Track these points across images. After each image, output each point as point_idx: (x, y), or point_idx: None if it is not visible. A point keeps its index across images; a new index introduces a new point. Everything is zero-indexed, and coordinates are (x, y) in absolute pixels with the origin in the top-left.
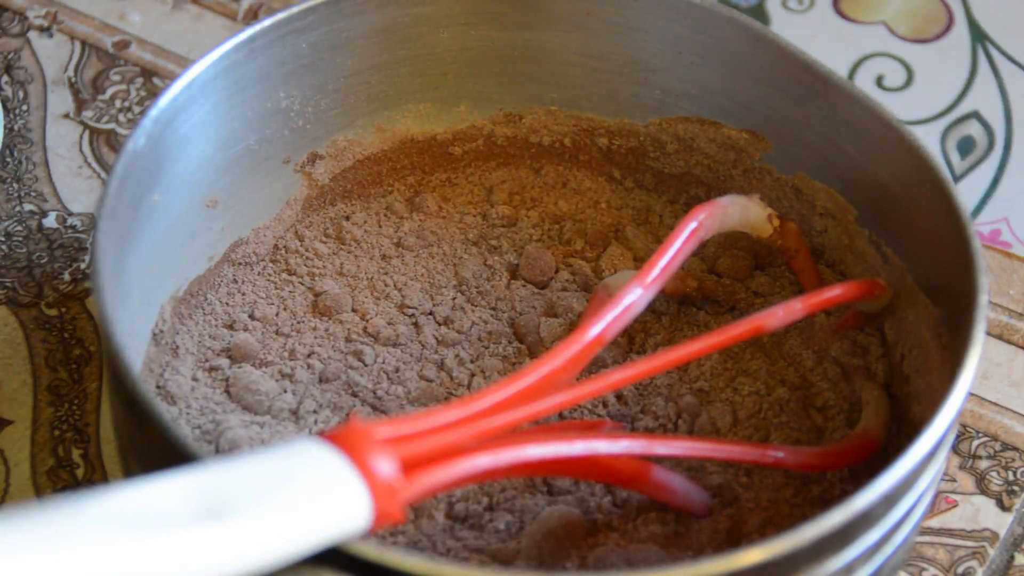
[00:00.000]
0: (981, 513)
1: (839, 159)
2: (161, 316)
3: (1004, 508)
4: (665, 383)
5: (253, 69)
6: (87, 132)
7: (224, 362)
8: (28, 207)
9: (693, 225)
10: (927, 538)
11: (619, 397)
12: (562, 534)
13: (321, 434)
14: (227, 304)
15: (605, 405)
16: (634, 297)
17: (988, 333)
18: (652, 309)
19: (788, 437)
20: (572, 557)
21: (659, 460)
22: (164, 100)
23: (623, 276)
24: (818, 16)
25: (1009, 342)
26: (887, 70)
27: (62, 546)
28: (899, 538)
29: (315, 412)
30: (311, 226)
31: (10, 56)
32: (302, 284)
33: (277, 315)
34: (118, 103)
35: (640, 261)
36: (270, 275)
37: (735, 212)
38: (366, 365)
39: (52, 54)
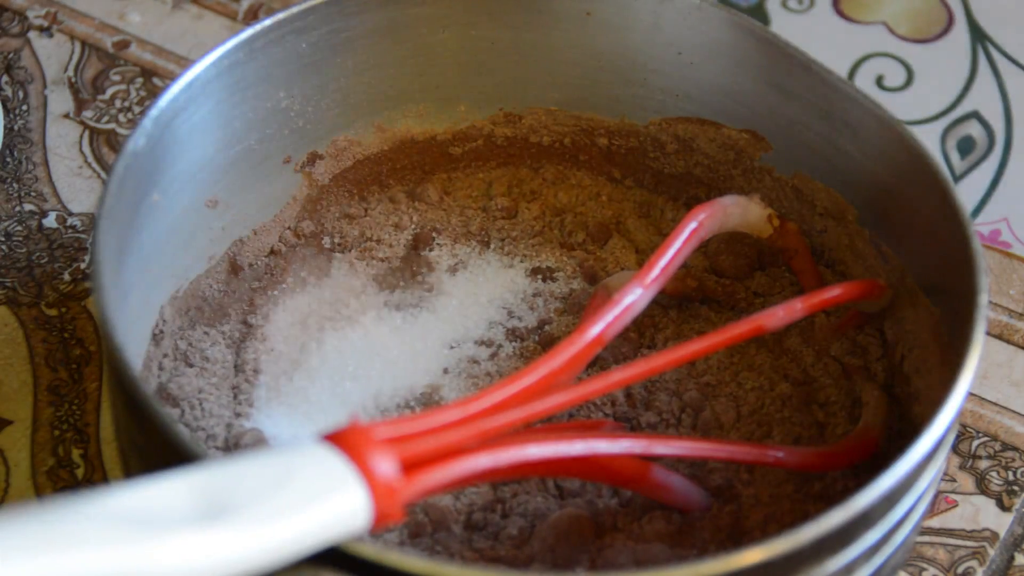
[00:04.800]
0: (981, 513)
1: (839, 159)
2: (161, 316)
3: (1004, 508)
4: (673, 378)
5: (253, 69)
6: (87, 132)
7: (232, 358)
8: (28, 207)
9: (693, 225)
10: (927, 538)
11: (628, 396)
12: (573, 536)
13: (321, 434)
14: (233, 305)
15: (613, 404)
16: (634, 297)
17: (988, 333)
18: (659, 303)
19: (790, 432)
20: (583, 560)
21: (659, 459)
22: (164, 100)
23: (623, 276)
24: (818, 16)
25: (1009, 342)
26: (887, 70)
27: (62, 546)
28: (899, 538)
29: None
30: (313, 223)
31: (10, 56)
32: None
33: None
34: (118, 103)
35: (642, 254)
36: (273, 277)
37: (735, 212)
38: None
39: (52, 54)
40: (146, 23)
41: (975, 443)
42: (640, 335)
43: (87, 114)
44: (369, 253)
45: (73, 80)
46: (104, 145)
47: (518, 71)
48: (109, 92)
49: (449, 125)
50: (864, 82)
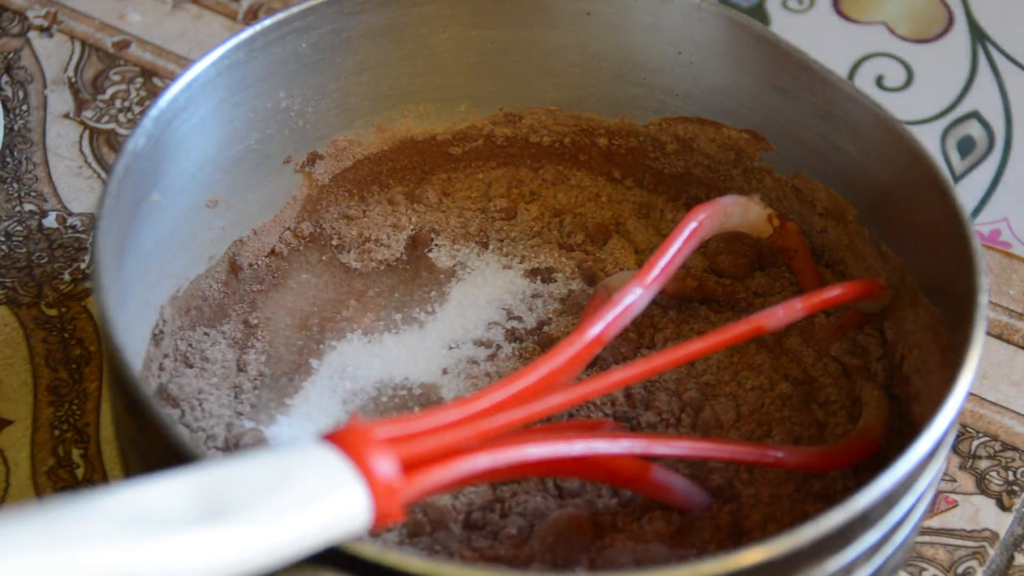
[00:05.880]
0: (981, 513)
1: (839, 159)
2: (161, 316)
3: (1004, 508)
4: (673, 378)
5: (253, 69)
6: (87, 132)
7: (232, 358)
8: (28, 207)
9: (693, 225)
10: (927, 538)
11: (628, 396)
12: (573, 536)
13: (321, 434)
14: (233, 306)
15: (613, 404)
16: (634, 297)
17: (988, 333)
18: (659, 304)
19: (790, 432)
20: (582, 560)
21: (659, 459)
22: (164, 100)
23: (622, 276)
24: (818, 16)
25: (1009, 342)
26: (887, 70)
27: (62, 546)
28: (899, 538)
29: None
30: (312, 224)
31: (10, 56)
32: (305, 284)
33: (283, 320)
34: (118, 103)
35: (641, 254)
36: (273, 277)
37: (735, 212)
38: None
39: (52, 54)
40: (146, 23)
41: (975, 443)
42: (640, 335)
43: (87, 114)
44: (368, 254)
45: (73, 80)
46: (104, 145)
47: (518, 71)
48: (109, 92)
49: (449, 125)
50: (864, 82)
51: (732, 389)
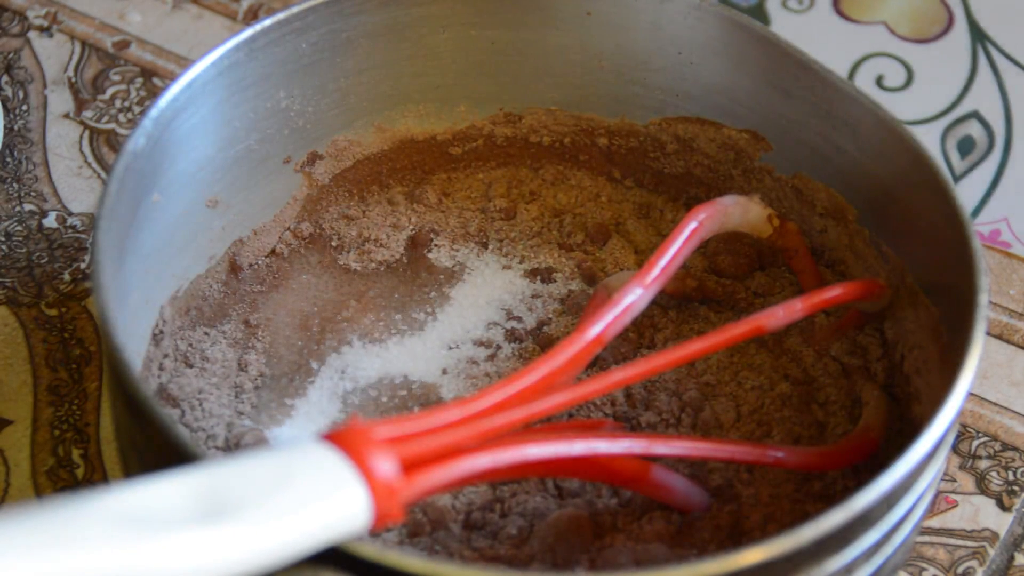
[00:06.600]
0: (981, 513)
1: (839, 159)
2: (161, 316)
3: (1004, 508)
4: (673, 378)
5: (253, 69)
6: (87, 132)
7: (232, 358)
8: (28, 207)
9: (693, 225)
10: (927, 538)
11: (628, 396)
12: (573, 536)
13: (321, 434)
14: (233, 306)
15: (613, 404)
16: (634, 297)
17: (988, 333)
18: (659, 304)
19: (790, 432)
20: (582, 560)
21: (659, 459)
22: (164, 100)
23: (622, 276)
24: (818, 16)
25: (1009, 342)
26: (887, 70)
27: (62, 546)
28: (899, 538)
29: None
30: (312, 224)
31: (10, 56)
32: (305, 284)
33: (283, 321)
34: (118, 103)
35: (641, 254)
36: (274, 277)
37: (735, 212)
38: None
39: (52, 54)
40: (146, 23)
41: (975, 443)
42: (640, 335)
43: (87, 114)
44: (368, 255)
45: (73, 80)
46: (104, 145)
47: (518, 71)
48: (109, 92)
49: (449, 125)
50: (864, 82)
51: (732, 389)
